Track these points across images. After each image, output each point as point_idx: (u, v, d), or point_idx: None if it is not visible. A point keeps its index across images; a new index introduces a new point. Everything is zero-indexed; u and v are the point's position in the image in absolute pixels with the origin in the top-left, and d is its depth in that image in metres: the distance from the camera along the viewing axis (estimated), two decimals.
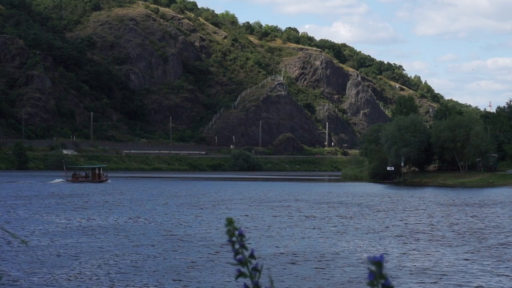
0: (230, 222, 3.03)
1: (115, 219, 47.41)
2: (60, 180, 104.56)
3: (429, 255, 31.56)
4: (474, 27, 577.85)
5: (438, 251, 32.98)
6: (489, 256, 31.41)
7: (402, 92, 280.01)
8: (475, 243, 35.83)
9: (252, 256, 3.01)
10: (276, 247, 33.49)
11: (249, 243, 2.67)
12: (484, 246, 34.73)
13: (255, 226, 42.58)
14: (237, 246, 3.00)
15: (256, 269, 2.99)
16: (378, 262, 2.65)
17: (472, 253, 32.40)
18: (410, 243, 35.75)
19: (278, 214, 52.16)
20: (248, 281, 2.97)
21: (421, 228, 43.31)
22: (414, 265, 28.35)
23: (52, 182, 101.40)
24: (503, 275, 26.38)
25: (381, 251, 32.19)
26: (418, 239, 37.50)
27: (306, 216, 50.71)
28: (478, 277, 26.02)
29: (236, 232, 3.02)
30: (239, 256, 2.99)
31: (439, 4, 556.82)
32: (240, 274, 2.97)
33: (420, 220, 48.72)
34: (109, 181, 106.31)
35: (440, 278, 25.59)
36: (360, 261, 28.89)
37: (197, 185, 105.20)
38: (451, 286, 24.26)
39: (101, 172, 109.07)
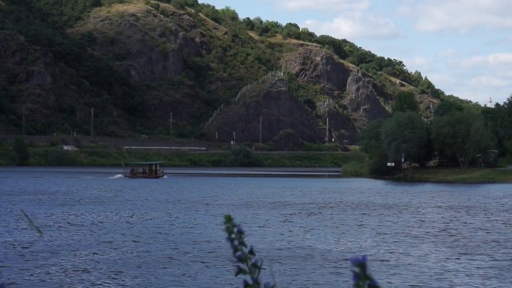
0: (228, 219, 2.97)
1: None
2: (120, 175, 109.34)
3: (412, 253, 31.57)
4: (475, 23, 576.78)
5: (422, 250, 33.03)
6: (470, 254, 31.51)
7: (402, 88, 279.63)
8: (460, 242, 35.89)
9: (251, 252, 2.97)
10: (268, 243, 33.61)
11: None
12: (469, 244, 34.77)
13: None
14: (236, 243, 2.95)
15: (255, 265, 2.94)
16: (361, 264, 2.59)
17: (459, 252, 32.48)
18: (393, 241, 35.83)
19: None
20: (248, 278, 2.92)
21: (407, 226, 43.40)
22: (395, 263, 28.39)
23: (113, 177, 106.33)
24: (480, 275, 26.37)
25: (360, 248, 32.23)
26: (400, 237, 37.59)
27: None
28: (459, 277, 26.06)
29: (235, 229, 2.95)
30: (238, 253, 2.95)
31: None
32: (240, 271, 2.94)
33: (410, 218, 48.83)
34: (165, 176, 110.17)
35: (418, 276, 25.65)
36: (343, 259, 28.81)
37: (260, 182, 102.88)
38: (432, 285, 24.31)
39: (157, 168, 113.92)
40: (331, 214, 49.45)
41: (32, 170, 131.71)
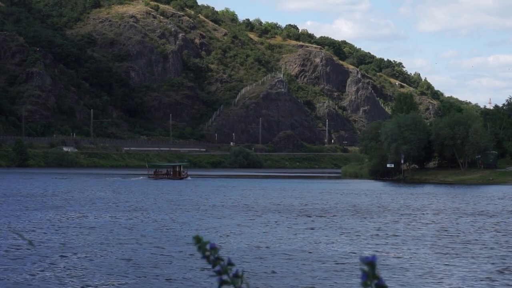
0: (198, 240, 3.02)
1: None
2: (142, 177, 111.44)
3: (408, 255, 31.65)
4: (476, 24, 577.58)
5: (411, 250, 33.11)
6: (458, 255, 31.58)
7: (402, 89, 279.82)
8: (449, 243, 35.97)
9: (230, 263, 3.02)
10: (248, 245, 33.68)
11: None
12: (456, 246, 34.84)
13: None
14: (212, 258, 3.01)
15: (237, 276, 3.00)
16: (371, 263, 2.68)
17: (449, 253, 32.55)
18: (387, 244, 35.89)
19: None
20: None
21: (398, 228, 43.45)
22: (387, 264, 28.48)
23: (135, 178, 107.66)
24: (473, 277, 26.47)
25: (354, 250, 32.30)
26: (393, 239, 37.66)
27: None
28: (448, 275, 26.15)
29: (208, 246, 3.00)
30: (217, 267, 3.01)
31: (441, 0, 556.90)
32: (223, 282, 3.00)
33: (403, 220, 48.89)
34: (189, 178, 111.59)
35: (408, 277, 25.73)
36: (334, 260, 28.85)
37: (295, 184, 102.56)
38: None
39: (181, 169, 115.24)
40: (330, 216, 49.54)
41: (43, 172, 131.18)
